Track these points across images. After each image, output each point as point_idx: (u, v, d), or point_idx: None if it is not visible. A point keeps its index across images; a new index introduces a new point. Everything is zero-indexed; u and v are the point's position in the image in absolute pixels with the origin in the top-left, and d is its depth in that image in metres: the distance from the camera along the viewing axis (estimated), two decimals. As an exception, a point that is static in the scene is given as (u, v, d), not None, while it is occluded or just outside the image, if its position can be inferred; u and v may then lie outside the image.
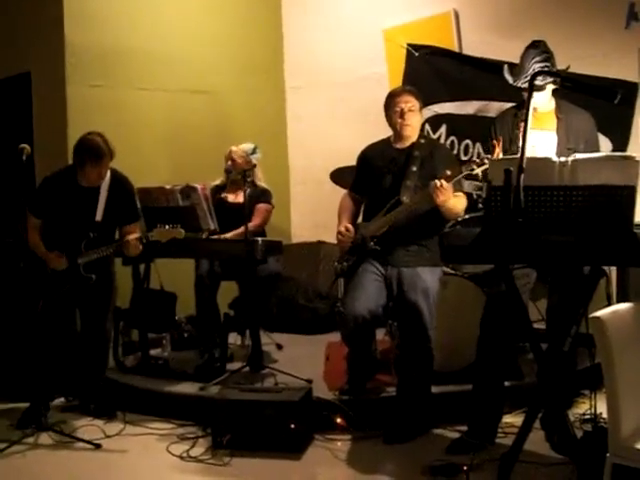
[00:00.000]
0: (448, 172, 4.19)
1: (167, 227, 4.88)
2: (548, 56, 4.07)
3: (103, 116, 6.27)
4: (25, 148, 4.54)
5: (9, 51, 6.90)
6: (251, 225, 5.47)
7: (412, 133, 4.63)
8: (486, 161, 4.02)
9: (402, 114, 4.57)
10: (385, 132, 4.77)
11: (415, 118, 4.62)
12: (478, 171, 4.11)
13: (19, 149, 4.52)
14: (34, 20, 6.70)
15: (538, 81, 3.92)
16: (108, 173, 5.00)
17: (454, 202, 4.37)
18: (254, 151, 5.84)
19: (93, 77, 6.59)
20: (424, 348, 4.47)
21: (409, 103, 4.58)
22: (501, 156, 3.98)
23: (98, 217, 4.96)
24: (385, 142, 4.75)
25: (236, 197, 5.92)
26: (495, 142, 4.05)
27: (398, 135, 4.65)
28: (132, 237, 4.89)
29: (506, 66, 4.28)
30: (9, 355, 5.48)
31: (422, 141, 4.65)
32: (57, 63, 6.49)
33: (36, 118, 6.77)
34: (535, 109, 4.12)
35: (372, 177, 4.68)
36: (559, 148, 4.05)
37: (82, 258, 4.89)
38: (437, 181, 4.17)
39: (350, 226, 4.68)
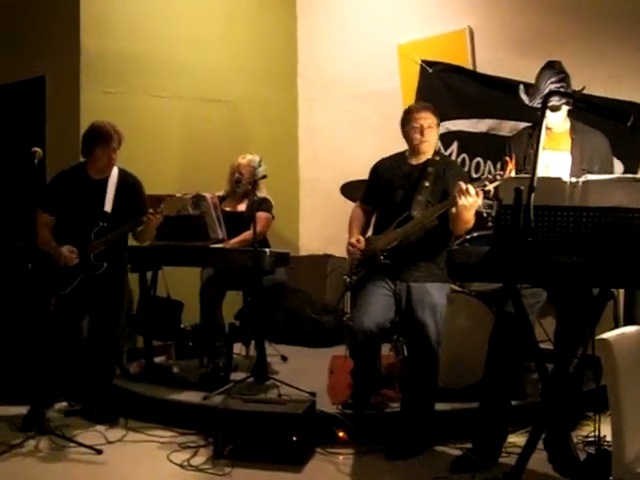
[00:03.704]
0: (462, 184, 4.14)
1: (175, 198, 4.92)
2: (564, 76, 4.07)
3: (116, 122, 6.24)
4: (37, 152, 4.55)
5: (24, 54, 6.92)
6: (250, 233, 5.41)
7: (429, 149, 4.63)
8: (498, 177, 4.00)
9: (421, 131, 4.56)
10: (397, 146, 4.77)
11: (433, 135, 4.62)
12: (490, 187, 4.07)
13: (31, 152, 4.53)
14: (50, 24, 6.73)
15: (554, 101, 3.92)
16: (115, 170, 5.05)
17: (472, 216, 4.29)
18: (259, 164, 5.85)
19: (107, 83, 6.62)
20: (430, 364, 4.45)
21: (428, 120, 4.58)
22: (514, 174, 3.96)
23: (107, 208, 4.99)
24: (400, 157, 4.73)
25: (236, 207, 5.93)
26: (508, 159, 4.03)
27: (415, 151, 4.64)
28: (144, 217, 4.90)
29: (521, 86, 4.28)
30: (14, 357, 5.49)
31: (437, 158, 4.64)
32: (72, 68, 6.52)
33: (49, 122, 6.80)
34: (550, 129, 4.11)
35: (384, 191, 4.68)
36: (573, 169, 4.04)
37: (92, 247, 4.91)
38: (463, 184, 4.11)
39: (361, 238, 4.68)
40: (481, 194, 4.12)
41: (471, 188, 4.08)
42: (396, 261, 4.52)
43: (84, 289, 4.97)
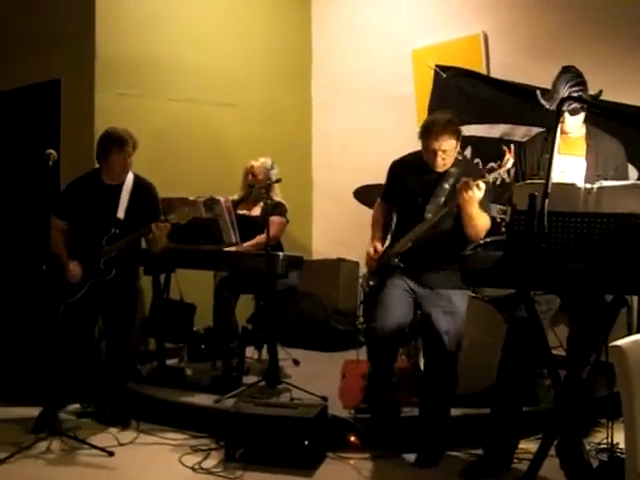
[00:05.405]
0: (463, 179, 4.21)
1: (186, 209, 4.91)
2: (581, 81, 4.05)
3: (130, 125, 6.24)
4: (52, 154, 4.57)
5: (40, 58, 6.95)
6: (264, 237, 5.41)
7: (446, 167, 4.51)
8: (495, 167, 4.10)
9: (441, 155, 4.43)
10: (410, 151, 4.74)
11: (451, 156, 4.48)
12: (489, 178, 4.20)
13: (46, 155, 4.55)
14: (65, 27, 6.76)
15: (574, 105, 3.90)
16: (130, 175, 5.05)
17: (477, 212, 4.28)
18: (272, 166, 5.87)
19: (122, 86, 6.64)
20: (449, 371, 4.44)
21: (449, 144, 4.41)
22: (511, 163, 4.07)
23: (120, 214, 4.99)
24: (419, 155, 4.60)
25: (250, 210, 5.93)
26: (506, 149, 4.09)
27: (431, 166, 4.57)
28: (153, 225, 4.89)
29: (538, 92, 4.26)
30: (27, 359, 5.50)
31: (459, 157, 4.62)
32: (87, 71, 6.54)
33: (64, 125, 6.82)
34: (566, 134, 4.09)
35: (403, 190, 4.65)
36: (588, 174, 4.02)
37: (103, 253, 4.91)
38: (464, 178, 4.15)
39: (379, 246, 4.66)
40: (482, 186, 4.18)
41: (470, 181, 4.14)
42: (411, 263, 4.51)
43: (96, 293, 4.96)
